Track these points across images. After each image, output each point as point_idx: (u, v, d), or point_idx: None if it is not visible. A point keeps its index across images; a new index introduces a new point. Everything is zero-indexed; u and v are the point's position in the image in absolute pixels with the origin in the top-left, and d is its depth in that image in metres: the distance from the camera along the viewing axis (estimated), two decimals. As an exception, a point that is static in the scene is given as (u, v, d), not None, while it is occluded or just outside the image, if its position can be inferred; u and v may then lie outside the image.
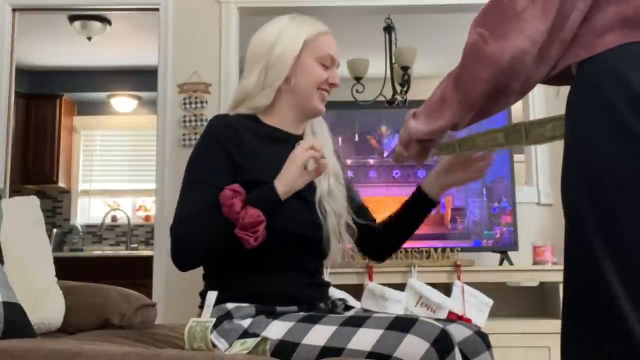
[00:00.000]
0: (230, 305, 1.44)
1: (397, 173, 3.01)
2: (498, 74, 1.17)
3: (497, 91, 1.20)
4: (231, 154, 1.49)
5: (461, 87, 1.24)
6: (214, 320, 1.35)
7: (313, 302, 1.53)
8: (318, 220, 1.56)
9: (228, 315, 1.43)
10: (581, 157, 1.15)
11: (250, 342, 1.28)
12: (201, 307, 1.52)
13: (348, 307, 1.63)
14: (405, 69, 3.79)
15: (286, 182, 1.45)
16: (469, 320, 2.49)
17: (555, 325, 2.78)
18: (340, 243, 1.61)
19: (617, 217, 1.05)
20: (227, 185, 1.43)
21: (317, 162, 1.47)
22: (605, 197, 1.07)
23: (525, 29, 1.13)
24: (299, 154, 1.45)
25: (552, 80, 1.25)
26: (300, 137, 1.63)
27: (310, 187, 1.57)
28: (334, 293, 1.96)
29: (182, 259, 1.47)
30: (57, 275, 1.96)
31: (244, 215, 1.37)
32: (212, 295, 1.39)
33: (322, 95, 1.60)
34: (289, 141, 1.59)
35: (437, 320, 1.39)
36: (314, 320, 1.38)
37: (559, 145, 3.10)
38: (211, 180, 1.47)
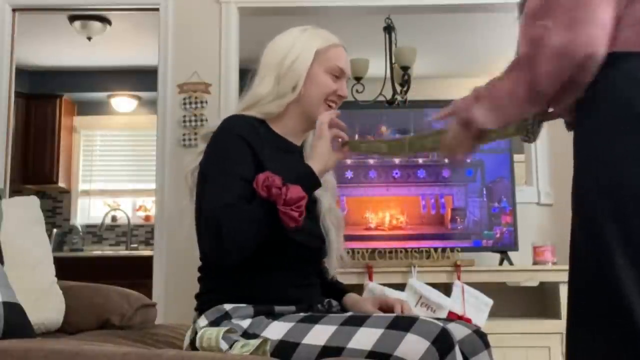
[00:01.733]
0: (227, 306, 1.44)
1: (397, 173, 3.01)
2: (570, 67, 1.11)
3: (568, 85, 1.15)
4: (255, 152, 1.49)
5: (532, 84, 1.18)
6: (229, 327, 1.36)
7: (310, 302, 1.53)
8: (320, 233, 1.59)
9: (226, 316, 1.43)
10: (598, 161, 1.11)
11: (251, 345, 1.28)
12: (197, 309, 1.52)
13: (343, 308, 1.64)
14: (405, 69, 3.79)
15: (320, 160, 1.47)
16: (468, 321, 2.49)
17: (555, 325, 2.79)
18: (338, 258, 1.63)
19: (635, 220, 1.04)
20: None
21: (338, 136, 1.51)
22: (624, 200, 1.05)
23: (596, 16, 1.07)
24: (325, 131, 1.49)
25: None
26: (300, 148, 1.65)
27: (312, 202, 1.59)
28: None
29: (228, 253, 1.39)
30: (57, 275, 1.96)
31: (286, 192, 1.36)
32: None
33: (328, 108, 1.60)
34: (291, 152, 1.61)
35: (437, 319, 1.39)
36: (314, 320, 1.38)
37: (559, 146, 3.11)
38: (241, 173, 1.45)
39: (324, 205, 1.62)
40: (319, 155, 1.48)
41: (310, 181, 1.45)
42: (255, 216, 1.39)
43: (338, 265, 1.63)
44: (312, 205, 1.60)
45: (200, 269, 1.57)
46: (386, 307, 1.59)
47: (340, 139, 1.53)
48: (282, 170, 1.50)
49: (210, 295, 1.49)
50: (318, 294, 1.61)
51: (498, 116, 1.27)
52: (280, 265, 1.50)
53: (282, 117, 1.60)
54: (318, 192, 1.61)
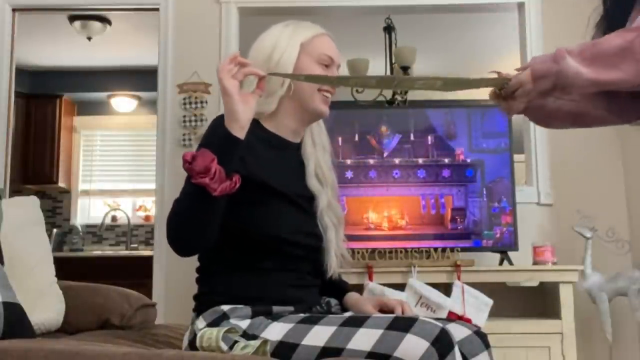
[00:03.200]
0: (225, 307, 1.44)
1: (397, 173, 3.01)
2: None
3: None
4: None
5: None
6: (229, 327, 1.35)
7: (308, 302, 1.53)
8: (319, 232, 1.58)
9: (224, 317, 1.43)
10: None
11: (252, 346, 1.28)
12: (195, 310, 1.52)
13: (344, 308, 1.64)
14: (405, 69, 3.79)
15: (231, 116, 1.36)
16: (468, 321, 2.49)
17: (555, 325, 2.79)
18: (338, 257, 1.61)
19: None
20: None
21: (249, 73, 1.40)
22: None
23: None
24: (227, 84, 1.35)
25: None
26: (297, 146, 1.63)
27: (310, 199, 1.59)
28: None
29: (176, 244, 1.40)
30: (57, 275, 1.96)
31: (195, 163, 1.31)
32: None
33: (324, 98, 1.58)
34: (287, 149, 1.59)
35: (437, 319, 1.39)
36: (313, 321, 1.38)
37: (559, 146, 3.11)
38: None
39: (322, 202, 1.59)
40: (228, 112, 1.37)
41: (222, 140, 1.36)
42: (185, 201, 1.37)
43: (338, 264, 1.61)
44: (310, 202, 1.59)
45: (198, 270, 1.57)
46: (387, 309, 1.59)
47: (254, 76, 1.42)
48: (274, 167, 1.50)
49: (208, 296, 1.49)
50: (317, 294, 1.61)
51: (597, 68, 1.22)
52: (277, 265, 1.50)
53: (276, 115, 1.57)
54: (316, 189, 1.60)
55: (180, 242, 1.40)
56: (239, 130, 1.36)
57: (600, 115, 1.55)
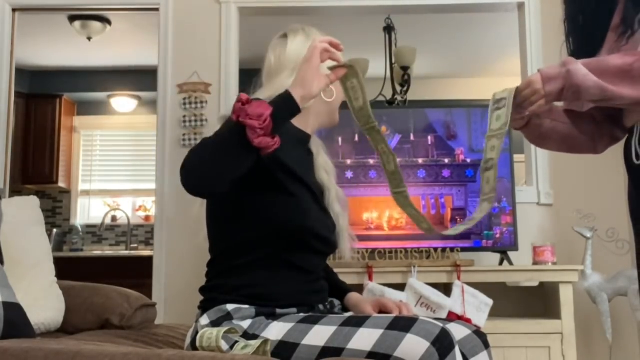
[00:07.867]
0: (230, 307, 1.44)
1: (397, 173, 3.01)
2: None
3: None
4: None
5: None
6: (229, 327, 1.36)
7: (312, 304, 1.53)
8: (333, 222, 1.60)
9: (228, 317, 1.42)
10: None
11: (252, 346, 1.28)
12: (200, 307, 1.52)
13: (346, 308, 1.64)
14: (405, 69, 3.80)
15: (301, 84, 1.34)
16: (468, 321, 2.49)
17: (555, 325, 2.79)
18: (349, 242, 1.64)
19: None
20: None
21: (334, 59, 1.41)
22: None
23: None
24: (315, 56, 1.36)
25: None
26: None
27: (321, 192, 1.60)
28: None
29: (189, 175, 1.31)
30: (57, 275, 1.96)
31: (250, 106, 1.27)
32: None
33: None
34: (306, 144, 1.63)
35: (437, 319, 1.39)
36: (313, 321, 1.38)
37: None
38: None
39: (332, 192, 1.62)
40: (301, 79, 1.35)
41: (284, 101, 1.33)
42: (219, 138, 1.32)
43: (348, 252, 1.63)
44: (322, 194, 1.61)
45: (209, 264, 1.57)
46: (385, 311, 1.59)
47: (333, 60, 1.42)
48: (300, 160, 1.53)
49: (215, 292, 1.49)
50: (322, 298, 1.60)
51: (599, 83, 1.28)
52: (290, 262, 1.49)
53: (305, 113, 1.53)
54: (325, 180, 1.62)
55: (194, 173, 1.31)
56: (301, 99, 1.34)
57: (584, 141, 1.63)
